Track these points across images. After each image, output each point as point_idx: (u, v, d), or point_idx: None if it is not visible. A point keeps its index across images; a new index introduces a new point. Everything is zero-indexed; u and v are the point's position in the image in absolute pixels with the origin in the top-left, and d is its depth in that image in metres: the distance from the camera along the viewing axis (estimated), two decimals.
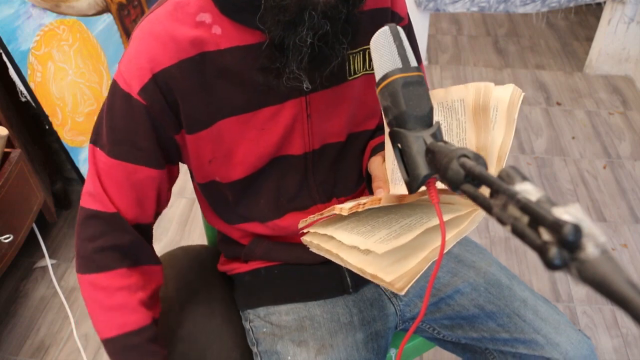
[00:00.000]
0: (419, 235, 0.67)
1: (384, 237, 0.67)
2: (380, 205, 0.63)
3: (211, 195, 0.85)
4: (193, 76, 0.70)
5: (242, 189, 0.82)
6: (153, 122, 0.71)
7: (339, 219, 0.71)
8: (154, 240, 0.98)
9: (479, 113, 0.71)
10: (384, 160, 0.81)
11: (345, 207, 0.64)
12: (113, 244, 0.74)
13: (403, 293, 0.64)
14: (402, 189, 0.78)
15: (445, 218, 0.68)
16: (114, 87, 0.71)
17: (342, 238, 0.67)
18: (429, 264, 0.68)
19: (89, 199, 0.74)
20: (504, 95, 0.70)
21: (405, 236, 0.66)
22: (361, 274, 0.68)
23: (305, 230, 0.72)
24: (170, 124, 0.72)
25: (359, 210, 0.64)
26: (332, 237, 0.69)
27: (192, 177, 0.85)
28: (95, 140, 0.74)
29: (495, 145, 0.70)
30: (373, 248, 0.64)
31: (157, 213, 0.81)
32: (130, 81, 0.69)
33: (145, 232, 0.79)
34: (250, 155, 0.77)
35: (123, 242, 0.74)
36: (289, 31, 0.64)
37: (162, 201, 0.80)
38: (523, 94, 0.70)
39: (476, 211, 0.69)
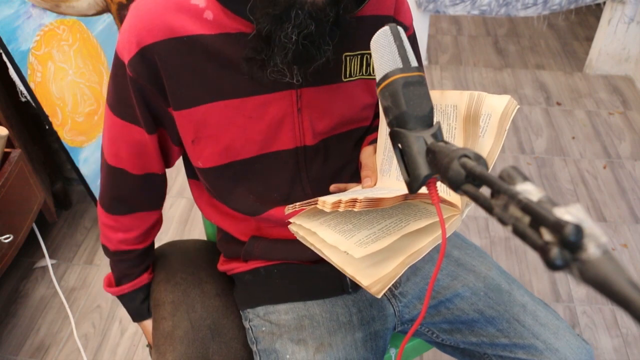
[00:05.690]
0: (398, 239, 0.67)
1: (363, 239, 0.68)
2: (356, 210, 0.64)
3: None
4: (180, 56, 0.72)
5: (230, 178, 0.82)
6: (141, 92, 0.75)
7: (323, 212, 0.72)
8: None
9: (469, 121, 0.72)
10: (375, 151, 0.81)
11: (327, 202, 0.65)
12: (113, 195, 0.87)
13: (379, 296, 0.67)
14: (389, 181, 0.79)
15: (424, 223, 0.69)
16: (115, 53, 0.75)
17: (324, 235, 0.68)
18: (406, 268, 0.69)
19: (104, 151, 0.85)
20: (499, 105, 0.70)
21: (382, 241, 0.67)
22: (342, 272, 0.69)
23: (291, 220, 0.74)
24: (157, 97, 0.76)
25: (339, 210, 0.64)
26: (315, 232, 0.70)
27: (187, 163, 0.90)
28: (107, 99, 0.81)
29: (482, 153, 0.70)
30: (351, 251, 0.65)
31: (168, 164, 0.88)
32: (122, 51, 0.73)
33: (154, 180, 0.87)
34: (238, 141, 0.78)
35: (122, 194, 0.87)
36: (276, 25, 0.66)
37: (169, 156, 0.86)
38: (518, 106, 0.70)
39: (454, 217, 0.69)
